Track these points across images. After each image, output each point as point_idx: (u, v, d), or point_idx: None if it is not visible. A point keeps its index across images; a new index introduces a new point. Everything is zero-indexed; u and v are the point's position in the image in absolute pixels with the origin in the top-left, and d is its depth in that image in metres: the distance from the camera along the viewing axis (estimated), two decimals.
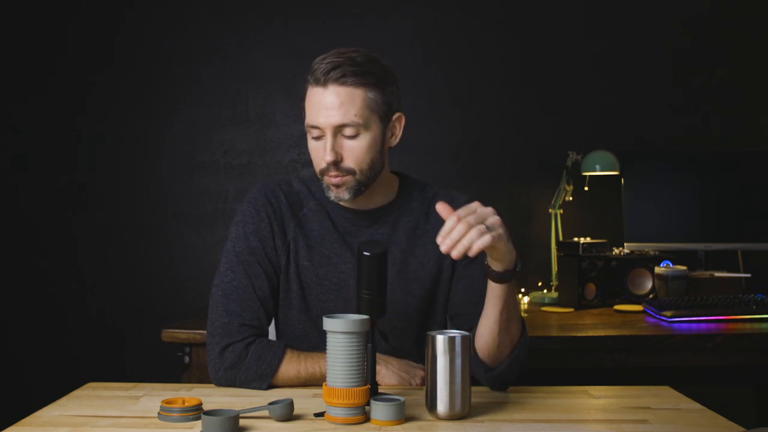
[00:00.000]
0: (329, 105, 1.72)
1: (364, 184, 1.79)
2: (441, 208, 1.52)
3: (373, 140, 1.77)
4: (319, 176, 1.81)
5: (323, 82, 1.73)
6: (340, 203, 1.86)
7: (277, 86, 3.53)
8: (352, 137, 1.75)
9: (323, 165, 1.76)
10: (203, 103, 3.53)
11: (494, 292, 1.64)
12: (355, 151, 1.75)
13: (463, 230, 1.47)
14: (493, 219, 1.52)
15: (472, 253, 1.47)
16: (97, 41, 3.53)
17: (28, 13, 3.52)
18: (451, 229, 1.48)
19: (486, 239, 1.47)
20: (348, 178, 1.77)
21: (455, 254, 1.47)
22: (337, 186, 1.78)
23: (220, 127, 3.53)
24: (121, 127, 3.52)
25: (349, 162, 1.76)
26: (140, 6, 3.53)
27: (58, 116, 3.53)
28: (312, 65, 1.76)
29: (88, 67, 3.52)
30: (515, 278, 1.63)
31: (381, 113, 1.77)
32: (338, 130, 1.74)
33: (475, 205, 1.53)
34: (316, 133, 1.76)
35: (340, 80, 1.72)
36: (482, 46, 3.51)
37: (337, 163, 1.75)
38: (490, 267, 1.61)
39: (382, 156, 1.81)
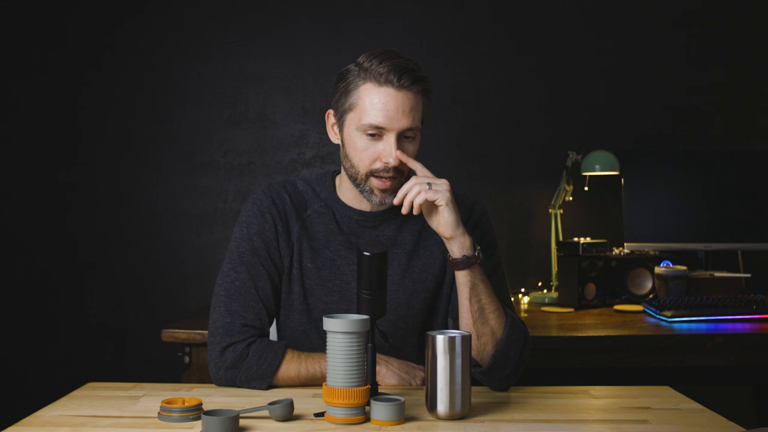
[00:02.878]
0: (401, 109, 1.72)
1: (402, 184, 1.78)
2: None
3: (419, 144, 1.80)
4: (362, 177, 1.78)
5: (396, 85, 1.71)
6: (349, 204, 1.87)
7: (277, 86, 3.53)
8: (411, 141, 1.77)
9: (378, 165, 1.75)
10: (203, 102, 3.53)
11: (459, 279, 1.72)
12: (410, 154, 1.77)
13: (410, 186, 1.69)
14: (439, 182, 1.70)
15: (415, 209, 1.69)
16: (98, 40, 3.53)
17: (28, 10, 3.51)
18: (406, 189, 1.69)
19: (421, 196, 1.67)
20: (397, 181, 1.77)
21: (396, 201, 1.72)
22: (385, 190, 1.77)
23: (220, 126, 3.53)
24: (120, 126, 3.52)
25: (403, 165, 1.76)
26: (141, 6, 3.53)
27: (58, 114, 3.53)
28: (367, 62, 1.73)
29: (87, 66, 3.52)
30: (478, 266, 1.71)
31: (426, 118, 1.81)
32: (401, 135, 1.74)
33: (434, 177, 1.72)
34: (374, 132, 1.74)
35: (411, 86, 1.73)
36: (482, 46, 3.51)
37: (395, 166, 1.75)
38: (449, 255, 1.72)
39: None
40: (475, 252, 1.70)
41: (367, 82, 1.73)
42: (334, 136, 1.85)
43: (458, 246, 1.69)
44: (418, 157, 1.77)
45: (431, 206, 1.70)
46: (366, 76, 1.73)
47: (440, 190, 1.68)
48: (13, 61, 3.53)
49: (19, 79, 3.53)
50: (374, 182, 1.77)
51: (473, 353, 1.70)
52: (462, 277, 1.70)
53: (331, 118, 1.85)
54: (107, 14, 3.53)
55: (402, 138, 1.74)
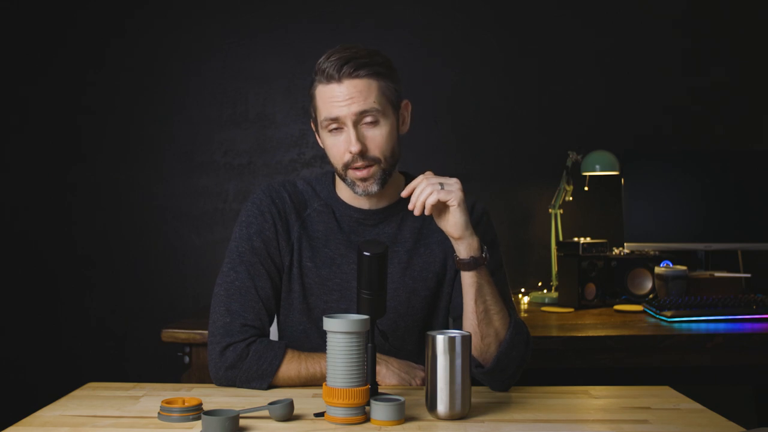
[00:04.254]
0: (347, 96, 1.74)
1: (388, 173, 1.80)
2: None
3: (392, 127, 1.80)
4: (341, 172, 1.80)
5: (337, 78, 1.74)
6: (349, 203, 1.88)
7: (277, 86, 3.52)
8: (373, 125, 1.77)
9: (347, 158, 1.77)
10: (203, 102, 3.53)
11: (465, 280, 1.69)
12: (377, 139, 1.77)
13: (422, 188, 1.64)
14: (452, 183, 1.65)
15: (427, 210, 1.63)
16: (98, 40, 3.53)
17: (29, 10, 3.51)
18: (414, 188, 1.66)
19: (434, 196, 1.63)
20: (374, 168, 1.78)
21: (410, 206, 1.65)
22: (364, 179, 1.78)
23: (220, 126, 3.53)
24: (120, 126, 3.52)
25: (374, 151, 1.77)
26: (142, 5, 3.53)
27: (58, 115, 3.53)
28: (317, 66, 1.77)
29: (88, 66, 3.52)
30: (484, 267, 1.69)
31: (393, 101, 1.81)
32: (358, 119, 1.75)
33: (445, 177, 1.67)
34: (334, 126, 1.77)
35: (354, 74, 1.74)
36: (481, 45, 3.51)
37: (362, 154, 1.75)
38: (456, 255, 1.69)
39: (399, 144, 1.83)
40: (482, 253, 1.69)
41: (318, 84, 1.78)
42: (320, 142, 1.88)
43: (466, 246, 1.67)
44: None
45: (442, 206, 1.68)
46: (317, 78, 1.78)
47: (452, 190, 1.64)
48: (14, 61, 3.53)
49: (20, 79, 3.53)
50: (351, 174, 1.79)
51: (476, 354, 1.70)
52: (468, 278, 1.69)
53: (313, 126, 1.89)
54: (108, 14, 3.53)
55: (362, 125, 1.76)
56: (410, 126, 1.90)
